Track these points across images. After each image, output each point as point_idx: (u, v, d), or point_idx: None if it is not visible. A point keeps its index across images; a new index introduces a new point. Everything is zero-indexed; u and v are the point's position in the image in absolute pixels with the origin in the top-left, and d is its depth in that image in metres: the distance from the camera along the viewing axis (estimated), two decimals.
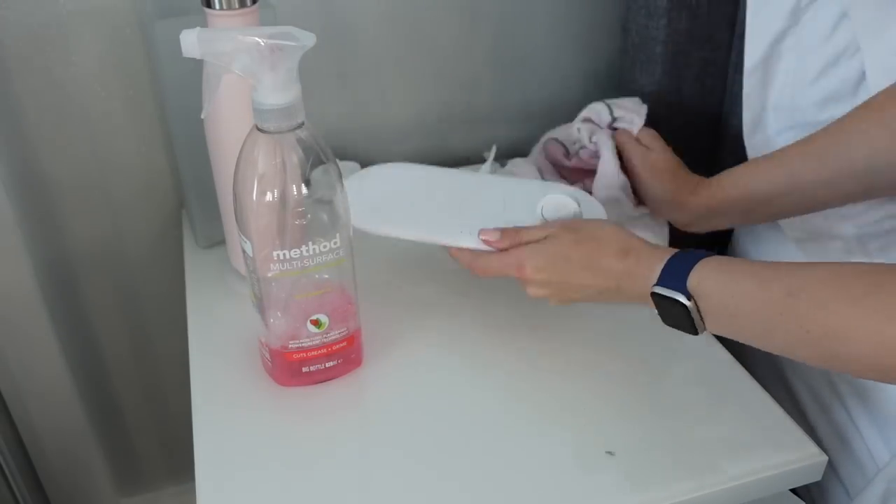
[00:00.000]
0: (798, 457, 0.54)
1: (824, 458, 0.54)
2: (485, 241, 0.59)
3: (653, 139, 0.74)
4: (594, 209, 0.66)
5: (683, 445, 0.55)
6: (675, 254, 0.51)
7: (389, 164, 0.73)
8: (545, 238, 0.56)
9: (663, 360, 0.63)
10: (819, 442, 0.59)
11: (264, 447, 0.55)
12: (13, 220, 0.78)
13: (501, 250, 0.58)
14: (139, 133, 0.84)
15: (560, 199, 0.65)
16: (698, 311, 0.48)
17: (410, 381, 0.61)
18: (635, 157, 0.73)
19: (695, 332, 0.50)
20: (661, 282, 0.50)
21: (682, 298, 0.48)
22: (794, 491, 0.59)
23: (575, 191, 0.67)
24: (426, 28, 0.89)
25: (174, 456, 1.08)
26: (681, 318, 0.49)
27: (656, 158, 0.72)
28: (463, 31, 0.90)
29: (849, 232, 0.65)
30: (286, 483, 0.53)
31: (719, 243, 0.91)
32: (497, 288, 0.72)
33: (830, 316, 0.42)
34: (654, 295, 0.50)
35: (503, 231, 0.59)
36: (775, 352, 0.47)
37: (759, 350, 0.77)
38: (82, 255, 0.89)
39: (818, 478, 0.55)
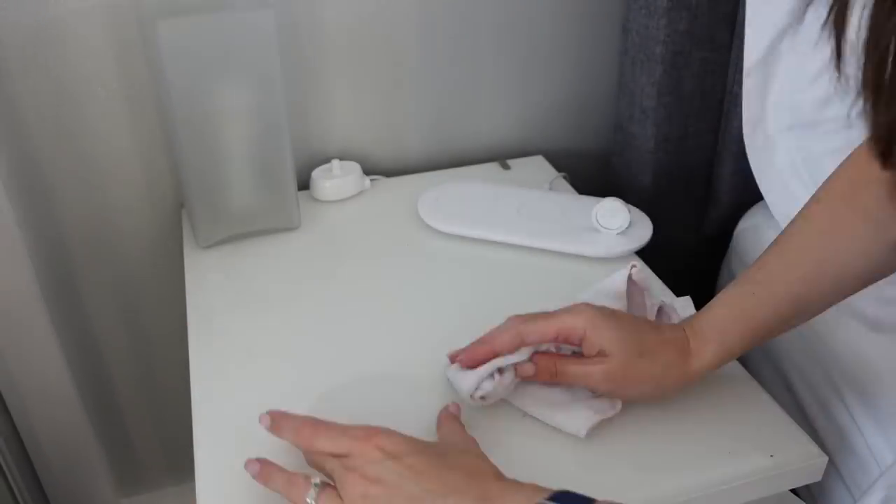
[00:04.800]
0: (798, 457, 0.54)
1: (825, 458, 0.54)
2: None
3: (598, 340, 0.53)
4: (642, 219, 0.77)
5: (683, 445, 0.55)
6: None
7: (461, 181, 0.87)
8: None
9: None
10: (820, 442, 0.59)
11: (265, 447, 0.55)
12: (13, 219, 0.77)
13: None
14: (139, 133, 0.84)
15: (613, 204, 0.75)
16: None
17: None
18: (588, 380, 0.54)
19: None
20: None
21: None
22: (794, 491, 0.59)
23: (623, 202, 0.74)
24: (428, 30, 0.88)
25: (174, 455, 1.08)
26: None
27: (614, 368, 0.53)
28: (464, 32, 0.90)
29: None
30: None
31: (717, 243, 0.91)
32: (494, 285, 0.72)
33: None
34: None
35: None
36: None
37: (759, 350, 0.77)
38: (82, 254, 0.89)
39: (818, 478, 0.55)
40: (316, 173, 0.87)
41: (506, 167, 0.95)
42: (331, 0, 0.84)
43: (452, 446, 0.50)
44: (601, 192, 0.84)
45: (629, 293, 0.61)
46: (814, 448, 0.54)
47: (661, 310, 0.61)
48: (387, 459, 0.45)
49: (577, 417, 0.54)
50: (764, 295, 0.54)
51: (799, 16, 0.64)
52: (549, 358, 0.54)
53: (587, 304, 0.54)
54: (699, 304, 0.73)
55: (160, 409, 1.03)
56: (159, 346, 0.98)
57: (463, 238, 0.79)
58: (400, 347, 0.65)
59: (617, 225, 0.75)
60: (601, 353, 0.53)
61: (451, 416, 0.54)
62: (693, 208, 0.96)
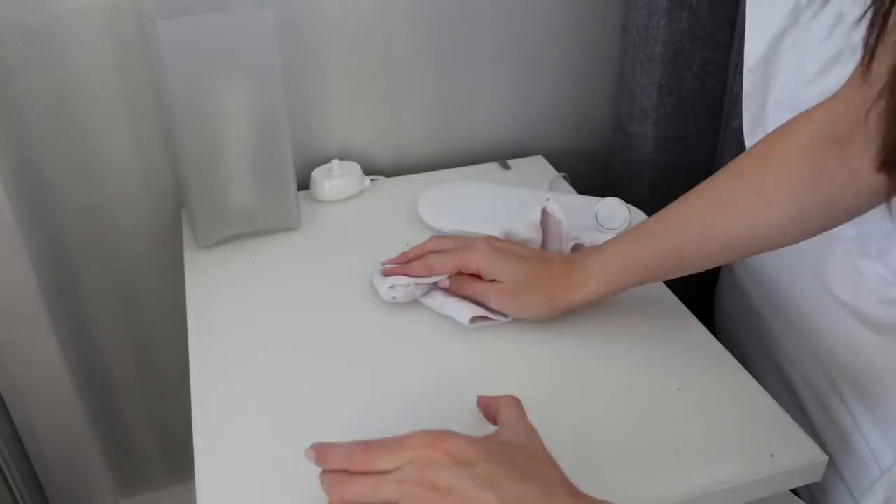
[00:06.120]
0: (798, 457, 0.54)
1: (825, 458, 0.54)
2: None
3: (490, 272, 0.64)
4: (642, 219, 0.74)
5: (683, 445, 0.55)
6: None
7: (461, 181, 0.88)
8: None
9: (663, 359, 0.63)
10: (821, 442, 0.59)
11: (265, 447, 0.55)
12: (13, 219, 0.77)
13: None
14: (139, 133, 0.84)
15: (614, 204, 0.76)
16: None
17: (418, 388, 0.61)
18: (484, 297, 0.64)
19: None
20: None
21: None
22: (794, 491, 0.59)
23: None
24: (426, 30, 0.88)
25: (174, 456, 1.08)
26: None
27: (504, 291, 0.63)
28: (463, 32, 0.90)
29: (848, 233, 0.64)
30: (286, 482, 0.52)
31: None
32: None
33: None
34: None
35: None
36: None
37: (759, 350, 0.77)
38: (82, 254, 0.89)
39: (819, 478, 0.55)
40: (316, 173, 0.87)
41: (506, 167, 0.95)
42: (331, 0, 0.84)
43: (518, 447, 0.46)
44: (601, 192, 0.84)
45: (546, 225, 0.69)
46: (814, 448, 0.54)
47: (579, 247, 0.70)
48: (458, 466, 0.42)
49: (465, 308, 0.65)
50: (652, 245, 0.60)
51: (799, 15, 0.64)
52: (459, 277, 0.66)
53: (487, 242, 0.65)
54: (700, 305, 0.73)
55: (160, 409, 1.03)
56: (159, 346, 0.98)
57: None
58: (400, 346, 0.65)
59: (617, 225, 0.75)
60: (496, 281, 0.63)
61: (513, 401, 0.51)
62: None
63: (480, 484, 0.41)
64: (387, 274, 0.68)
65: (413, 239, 0.80)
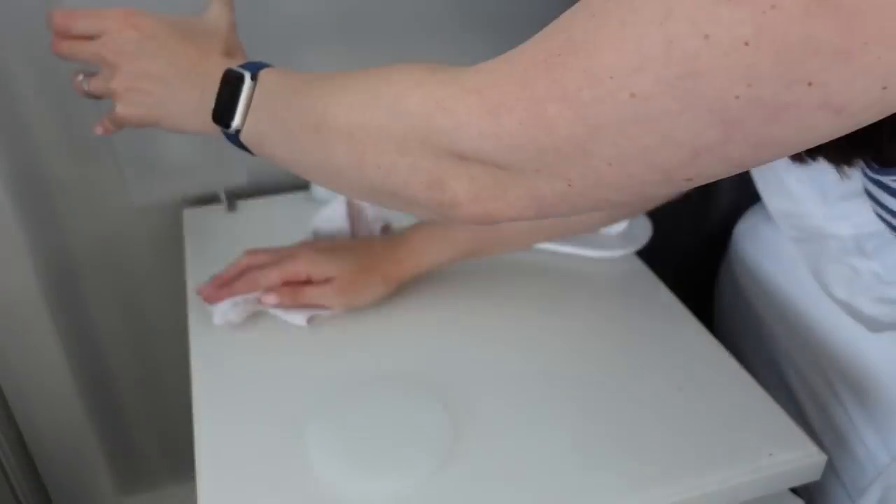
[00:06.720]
0: (797, 456, 0.54)
1: (823, 457, 0.54)
2: None
3: (321, 272, 0.67)
4: (642, 219, 0.78)
5: (682, 444, 0.55)
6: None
7: None
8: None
9: (662, 359, 0.63)
10: (818, 441, 0.60)
11: (266, 446, 0.56)
12: (14, 219, 0.78)
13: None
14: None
15: None
16: (252, 96, 0.48)
17: (412, 379, 0.61)
18: (323, 298, 0.67)
19: (229, 123, 0.49)
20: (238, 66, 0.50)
21: (248, 76, 0.48)
22: (793, 490, 0.59)
23: None
24: (425, 27, 0.89)
25: (175, 454, 1.08)
26: (231, 100, 0.49)
27: (342, 284, 0.67)
28: (459, 33, 0.90)
29: (846, 231, 0.65)
30: (287, 482, 0.53)
31: (717, 243, 0.91)
32: (495, 285, 0.72)
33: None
34: (226, 73, 0.49)
35: None
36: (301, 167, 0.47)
37: (758, 350, 0.77)
38: (83, 254, 0.89)
39: (817, 477, 0.55)
40: None
41: None
42: None
43: (196, 23, 0.55)
44: None
45: (352, 214, 0.74)
46: (812, 447, 0.55)
47: (387, 227, 0.76)
48: (144, 39, 0.52)
49: (299, 313, 0.66)
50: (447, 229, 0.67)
51: None
52: (289, 287, 0.66)
53: (308, 247, 0.68)
54: (699, 304, 0.73)
55: (162, 408, 1.03)
56: (160, 344, 0.98)
57: None
58: (398, 347, 0.65)
59: (617, 225, 0.75)
60: (329, 280, 0.66)
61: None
62: (693, 208, 0.96)
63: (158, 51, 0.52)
64: (211, 299, 0.66)
65: None
